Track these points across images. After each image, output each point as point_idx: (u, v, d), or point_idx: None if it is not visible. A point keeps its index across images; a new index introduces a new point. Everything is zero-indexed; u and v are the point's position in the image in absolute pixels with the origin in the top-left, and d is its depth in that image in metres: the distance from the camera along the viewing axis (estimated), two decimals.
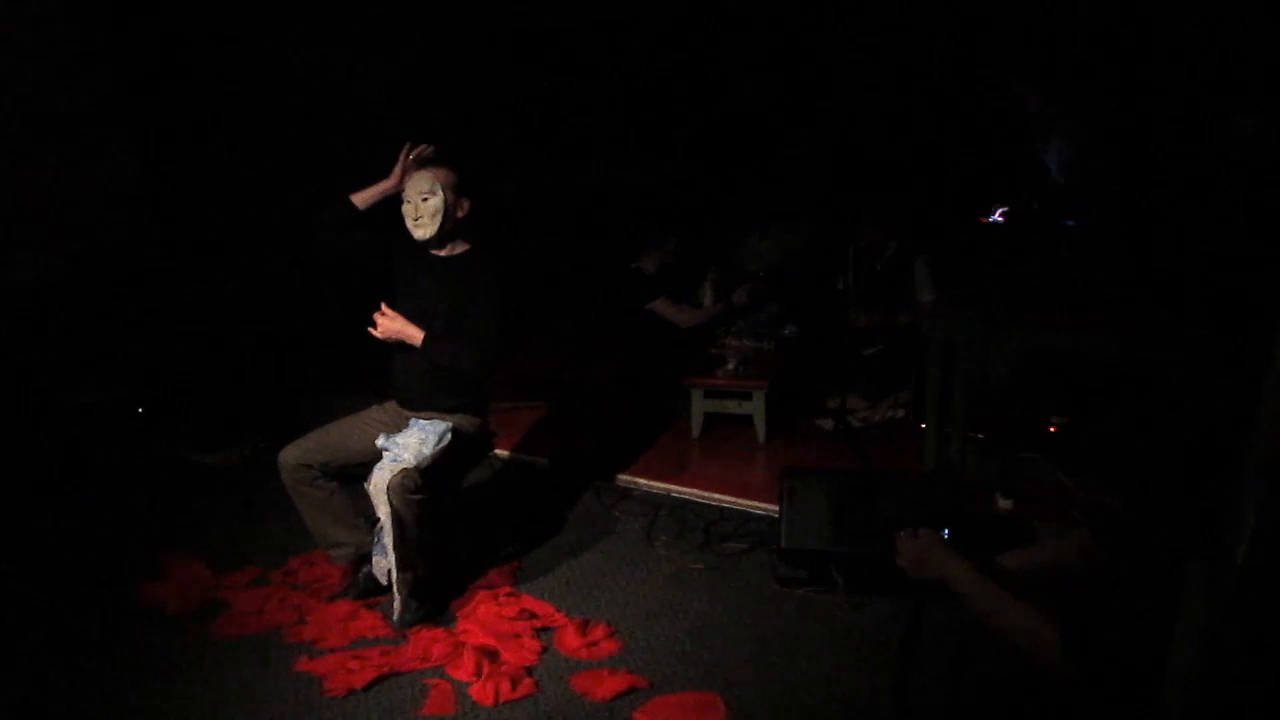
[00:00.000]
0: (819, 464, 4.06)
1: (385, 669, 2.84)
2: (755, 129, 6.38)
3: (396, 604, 3.08)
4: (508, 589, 3.30)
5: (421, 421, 3.19)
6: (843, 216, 5.29)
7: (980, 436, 4.03)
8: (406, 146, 3.31)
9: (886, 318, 4.82)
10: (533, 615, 3.13)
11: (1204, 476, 1.60)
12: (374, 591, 3.22)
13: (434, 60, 6.28)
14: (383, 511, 3.00)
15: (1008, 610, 1.73)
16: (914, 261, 4.86)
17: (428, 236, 3.19)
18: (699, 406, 4.58)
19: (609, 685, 2.74)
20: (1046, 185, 4.65)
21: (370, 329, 3.16)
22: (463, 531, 3.60)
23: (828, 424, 4.67)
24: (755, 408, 4.51)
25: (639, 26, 6.43)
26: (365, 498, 3.07)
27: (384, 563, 3.11)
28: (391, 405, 3.34)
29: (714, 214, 6.30)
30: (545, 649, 2.96)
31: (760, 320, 5.04)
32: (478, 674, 2.81)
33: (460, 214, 3.23)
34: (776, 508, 3.37)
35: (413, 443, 3.07)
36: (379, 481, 2.99)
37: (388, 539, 3.02)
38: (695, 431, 4.61)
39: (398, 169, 3.29)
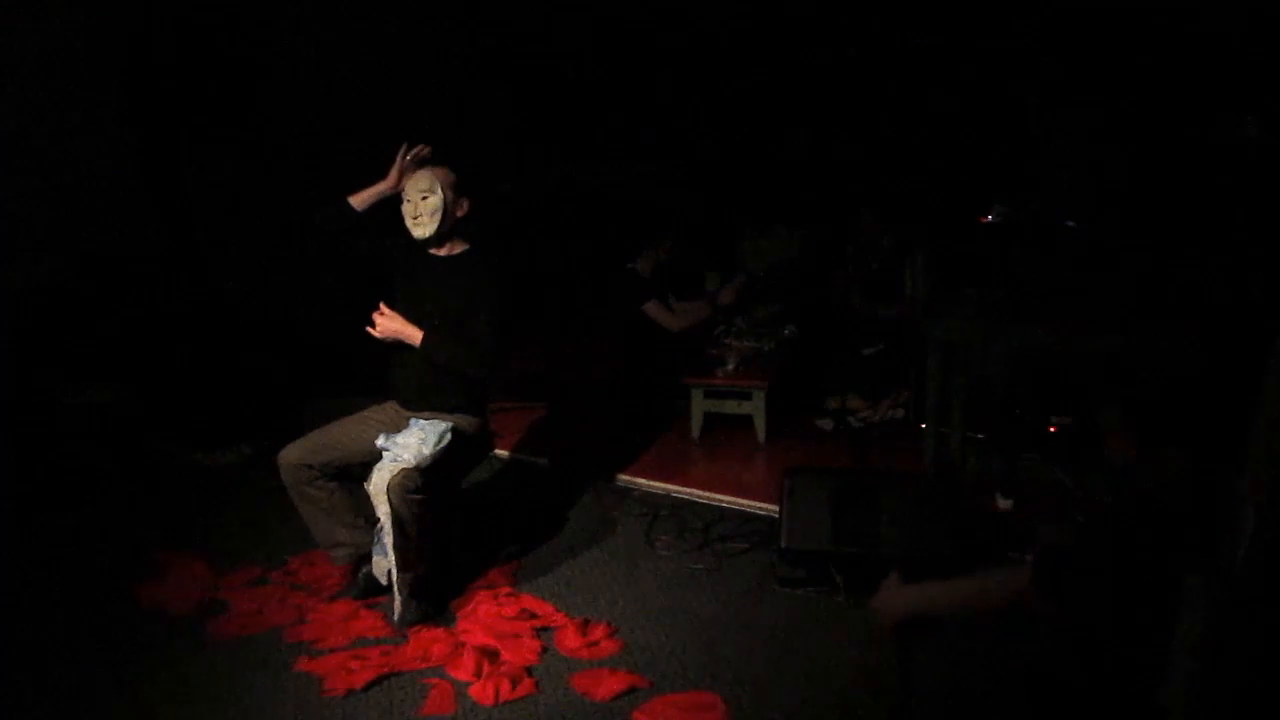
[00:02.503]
0: (819, 464, 4.06)
1: (385, 669, 2.84)
2: (754, 128, 6.38)
3: (397, 604, 3.08)
4: (508, 589, 3.30)
5: (421, 421, 3.19)
6: (841, 215, 5.30)
7: (980, 436, 4.03)
8: (404, 147, 3.31)
9: (877, 304, 4.83)
10: (533, 615, 3.13)
11: (1202, 477, 1.60)
12: (374, 591, 3.22)
13: (433, 60, 6.27)
14: (383, 511, 3.00)
15: (980, 584, 1.73)
16: (911, 258, 4.87)
17: (427, 235, 3.19)
18: (699, 406, 4.58)
19: (609, 685, 2.74)
20: (1047, 185, 4.65)
21: (369, 329, 3.17)
22: (463, 531, 3.60)
23: (828, 424, 4.67)
24: (755, 408, 4.51)
25: (639, 26, 6.43)
26: (365, 498, 3.07)
27: (384, 563, 3.11)
28: (391, 405, 3.34)
29: (713, 214, 6.30)
30: (545, 649, 2.95)
31: (760, 320, 5.04)
32: (478, 674, 2.81)
33: (459, 213, 3.23)
34: (776, 508, 3.37)
35: (413, 443, 3.07)
36: (379, 481, 2.99)
37: (388, 539, 3.02)
38: (695, 431, 4.61)
39: (395, 170, 3.29)
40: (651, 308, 4.81)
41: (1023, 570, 1.63)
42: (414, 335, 3.13)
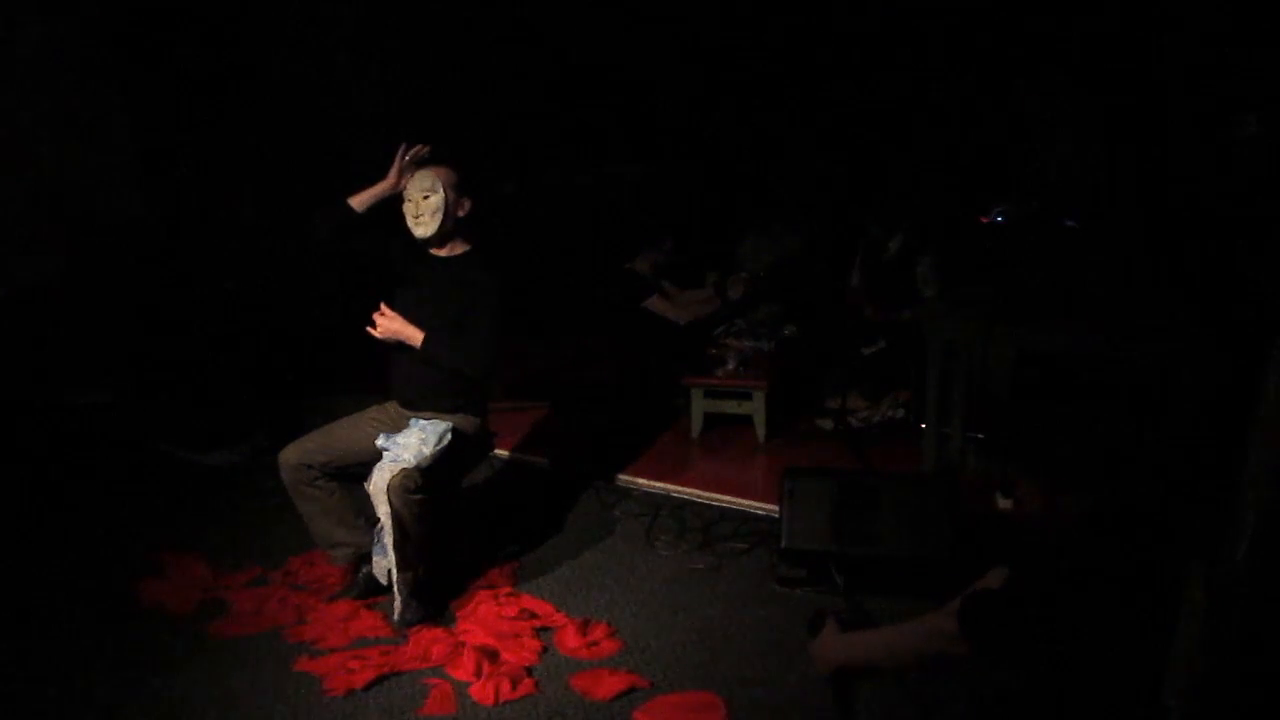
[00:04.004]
0: (819, 464, 4.06)
1: (385, 669, 2.85)
2: (757, 128, 6.38)
3: (397, 604, 3.08)
4: (508, 589, 3.30)
5: (421, 421, 3.19)
6: (846, 215, 5.29)
7: (980, 436, 4.03)
8: (402, 147, 3.31)
9: (891, 312, 4.82)
10: (533, 615, 3.13)
11: (1202, 477, 1.60)
12: (374, 591, 3.22)
13: (432, 61, 6.27)
14: (383, 511, 3.00)
15: (908, 633, 1.71)
16: (918, 259, 4.86)
17: (428, 235, 3.19)
18: (699, 406, 4.58)
19: (609, 685, 2.74)
20: (1047, 185, 4.65)
21: (370, 329, 3.17)
22: (463, 531, 3.60)
23: (828, 424, 4.66)
24: (755, 408, 4.51)
25: (639, 27, 6.43)
26: (365, 498, 3.07)
27: (384, 563, 3.12)
28: (391, 405, 3.34)
29: (713, 214, 6.29)
30: (545, 649, 2.96)
31: (760, 320, 5.04)
32: (478, 674, 2.81)
33: (460, 213, 3.23)
34: (776, 508, 3.37)
35: (413, 443, 3.07)
36: (379, 481, 2.99)
37: (388, 539, 3.02)
38: (695, 431, 4.61)
39: (394, 170, 3.28)
40: (654, 302, 4.81)
41: (949, 616, 1.63)
42: (414, 336, 3.13)
